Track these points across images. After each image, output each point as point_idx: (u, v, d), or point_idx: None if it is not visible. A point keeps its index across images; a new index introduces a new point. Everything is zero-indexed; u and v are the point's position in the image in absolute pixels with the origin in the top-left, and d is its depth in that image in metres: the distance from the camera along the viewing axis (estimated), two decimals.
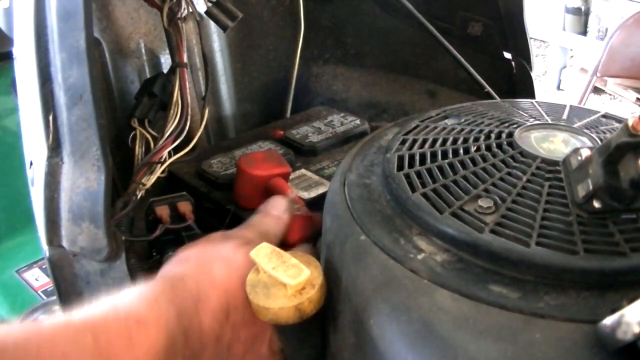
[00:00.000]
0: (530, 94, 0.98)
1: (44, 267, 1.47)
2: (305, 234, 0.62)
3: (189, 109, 0.78)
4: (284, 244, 0.60)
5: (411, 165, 0.54)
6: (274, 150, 0.81)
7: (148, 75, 0.94)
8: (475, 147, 0.54)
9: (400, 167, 0.53)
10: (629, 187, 0.42)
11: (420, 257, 0.46)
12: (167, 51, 0.90)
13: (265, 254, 0.51)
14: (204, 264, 0.53)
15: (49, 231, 0.63)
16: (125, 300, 0.48)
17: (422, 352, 0.42)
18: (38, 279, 1.47)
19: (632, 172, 0.42)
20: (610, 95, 2.98)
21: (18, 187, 0.92)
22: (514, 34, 0.97)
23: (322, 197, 0.73)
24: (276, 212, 0.62)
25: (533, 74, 0.97)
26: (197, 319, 0.50)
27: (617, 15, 3.31)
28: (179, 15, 0.81)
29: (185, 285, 0.51)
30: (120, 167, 0.79)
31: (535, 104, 0.65)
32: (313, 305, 0.49)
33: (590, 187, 0.44)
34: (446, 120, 0.62)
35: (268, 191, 0.68)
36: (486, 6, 0.98)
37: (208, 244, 0.56)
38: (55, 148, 0.63)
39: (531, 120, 0.58)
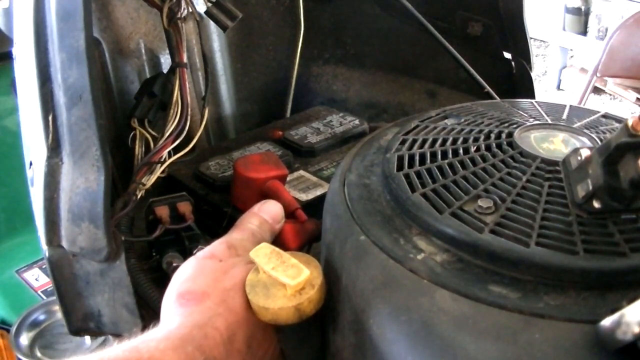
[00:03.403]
0: (530, 94, 0.98)
1: (44, 267, 1.47)
2: (301, 242, 0.62)
3: (189, 109, 0.78)
4: None
5: (411, 165, 0.54)
6: (272, 152, 0.81)
7: (148, 75, 0.94)
8: (475, 147, 0.54)
9: (400, 167, 0.53)
10: (628, 187, 0.42)
11: (420, 257, 0.46)
12: (167, 51, 0.90)
13: (264, 254, 0.51)
14: (227, 298, 0.51)
15: (49, 231, 0.63)
16: (148, 345, 0.46)
17: (422, 352, 0.42)
18: (38, 279, 1.47)
19: (631, 172, 0.42)
20: (610, 95, 2.98)
21: (18, 187, 0.92)
22: (514, 34, 0.97)
23: (320, 198, 0.73)
24: (271, 219, 0.61)
25: (533, 74, 0.97)
26: None
27: (617, 15, 3.31)
28: (178, 15, 0.81)
29: (215, 328, 0.48)
30: (120, 167, 0.79)
31: (535, 104, 0.65)
32: (313, 306, 0.49)
33: (590, 187, 0.44)
34: (446, 121, 0.62)
35: (265, 193, 0.68)
36: (486, 6, 0.98)
37: (218, 267, 0.53)
38: (54, 148, 0.63)
39: (531, 120, 0.58)
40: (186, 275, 0.53)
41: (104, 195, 0.60)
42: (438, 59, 1.04)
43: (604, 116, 0.62)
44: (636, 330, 0.36)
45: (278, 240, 0.62)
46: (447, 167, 0.52)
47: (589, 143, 0.54)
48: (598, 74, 2.48)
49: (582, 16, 3.61)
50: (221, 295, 0.51)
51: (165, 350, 0.45)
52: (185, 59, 0.81)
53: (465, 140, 0.55)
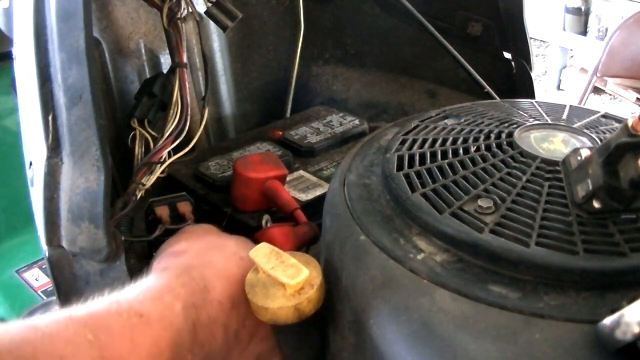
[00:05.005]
0: (530, 94, 0.98)
1: (44, 267, 1.47)
2: (292, 246, 0.62)
3: (189, 109, 0.78)
4: None
5: (411, 165, 0.54)
6: (271, 152, 0.81)
7: (148, 75, 0.94)
8: (475, 147, 0.54)
9: (400, 167, 0.53)
10: (628, 187, 0.42)
11: (420, 257, 0.46)
12: (167, 51, 0.90)
13: (264, 254, 0.51)
14: (203, 255, 0.53)
15: (49, 231, 0.63)
16: (127, 296, 0.47)
17: (421, 352, 0.42)
18: (38, 279, 1.47)
19: (631, 172, 0.42)
20: (610, 95, 2.98)
21: (18, 187, 0.92)
22: (514, 34, 0.97)
23: (320, 198, 0.73)
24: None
25: (533, 74, 0.97)
26: (206, 310, 0.50)
27: (617, 15, 3.31)
28: (178, 15, 0.81)
29: (191, 277, 0.50)
30: (120, 167, 0.79)
31: (535, 104, 0.65)
32: (312, 305, 0.49)
33: (590, 187, 0.44)
34: (446, 120, 0.62)
35: (264, 193, 0.68)
36: (486, 6, 0.98)
37: (195, 235, 0.57)
38: (54, 148, 0.62)
39: (531, 120, 0.58)
40: (172, 240, 0.58)
41: (104, 195, 0.60)
42: (438, 59, 1.04)
43: (604, 116, 0.62)
44: (636, 330, 0.36)
45: None
46: (447, 167, 0.52)
47: (589, 143, 0.54)
48: (598, 74, 2.48)
49: (582, 16, 3.61)
50: (198, 251, 0.54)
51: (144, 301, 0.47)
52: (185, 59, 0.81)
53: (465, 140, 0.55)
